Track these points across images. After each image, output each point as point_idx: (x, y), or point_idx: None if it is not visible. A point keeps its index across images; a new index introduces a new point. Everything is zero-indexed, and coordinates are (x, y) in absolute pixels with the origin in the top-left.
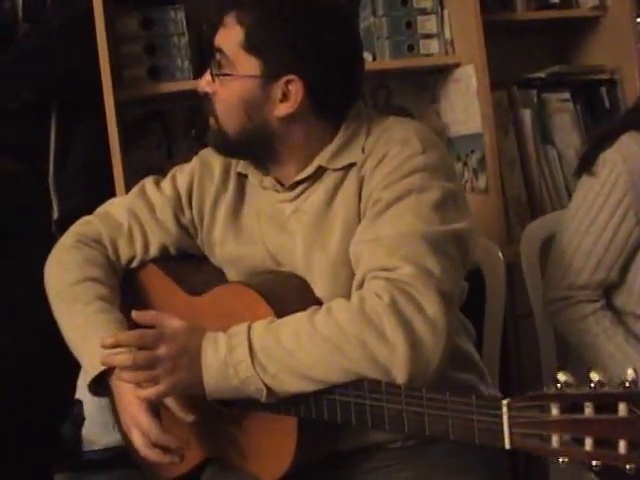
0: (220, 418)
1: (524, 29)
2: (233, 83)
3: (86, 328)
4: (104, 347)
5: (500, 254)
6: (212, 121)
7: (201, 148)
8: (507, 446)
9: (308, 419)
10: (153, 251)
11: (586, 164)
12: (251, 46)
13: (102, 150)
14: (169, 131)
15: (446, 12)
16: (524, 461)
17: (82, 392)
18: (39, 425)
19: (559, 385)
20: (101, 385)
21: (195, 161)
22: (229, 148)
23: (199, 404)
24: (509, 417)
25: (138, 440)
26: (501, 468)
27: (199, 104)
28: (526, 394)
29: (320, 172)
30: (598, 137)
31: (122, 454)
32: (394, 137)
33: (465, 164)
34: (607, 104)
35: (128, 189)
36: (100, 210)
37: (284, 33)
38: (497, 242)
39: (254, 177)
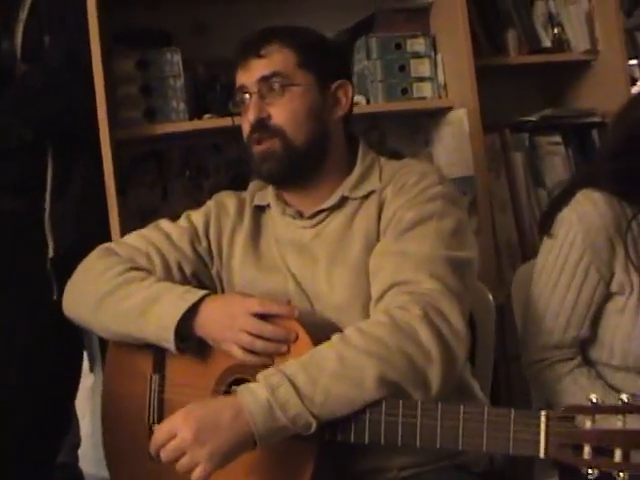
0: None
1: (517, 73)
2: (299, 96)
3: (153, 292)
4: None
5: (490, 296)
6: (267, 146)
7: (195, 189)
8: (542, 455)
9: (330, 444)
10: (175, 271)
11: (545, 226)
12: (305, 62)
13: (98, 189)
14: (164, 171)
15: (439, 56)
16: None
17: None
18: (38, 445)
19: (593, 401)
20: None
21: (210, 203)
22: (294, 163)
23: None
24: (546, 427)
25: (247, 342)
26: None
27: (194, 145)
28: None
29: (342, 201)
30: (555, 197)
31: None
32: (413, 170)
33: None
34: (598, 147)
35: (123, 228)
36: (113, 242)
37: (326, 47)
38: (488, 284)
39: (277, 206)
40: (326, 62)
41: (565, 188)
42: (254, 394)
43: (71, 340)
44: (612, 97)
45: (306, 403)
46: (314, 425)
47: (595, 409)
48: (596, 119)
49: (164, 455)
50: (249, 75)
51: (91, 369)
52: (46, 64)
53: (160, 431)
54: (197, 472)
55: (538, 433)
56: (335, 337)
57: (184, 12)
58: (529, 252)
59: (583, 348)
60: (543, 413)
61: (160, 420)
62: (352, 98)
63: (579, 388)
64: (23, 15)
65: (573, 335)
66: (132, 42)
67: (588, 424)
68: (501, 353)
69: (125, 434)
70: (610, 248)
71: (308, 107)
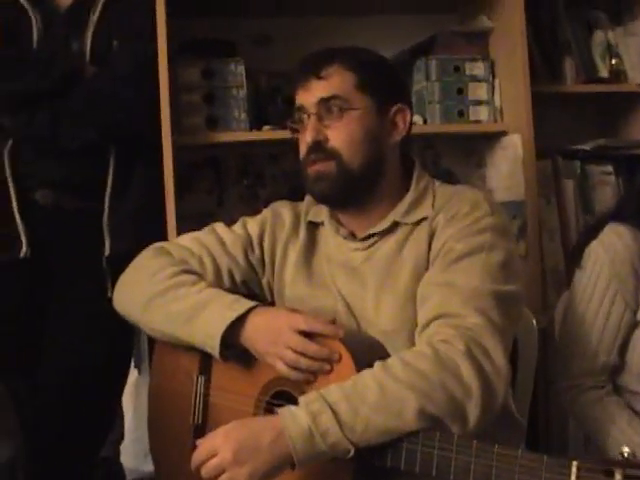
0: None
1: (572, 101)
2: (357, 119)
3: (202, 298)
4: None
5: (534, 320)
6: (322, 167)
7: (251, 197)
8: None
9: (366, 468)
10: (225, 278)
11: (575, 258)
12: (364, 85)
13: (156, 193)
14: (221, 178)
15: (497, 81)
16: None
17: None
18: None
19: (623, 454)
20: (229, 345)
21: (266, 212)
22: (348, 185)
23: None
24: (577, 477)
25: (291, 359)
26: None
27: (252, 154)
28: (593, 457)
29: (394, 226)
30: (584, 231)
31: None
32: (465, 198)
33: None
34: None
35: (179, 232)
36: (167, 242)
37: (386, 70)
38: (532, 307)
39: (330, 225)
40: (385, 86)
41: (594, 222)
42: (295, 419)
43: (122, 337)
44: None
45: (346, 432)
46: (352, 452)
47: (626, 463)
48: None
49: (204, 472)
50: (308, 96)
51: (136, 366)
52: (114, 69)
53: (201, 448)
54: None
55: None
56: (378, 366)
57: (249, 24)
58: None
59: (613, 376)
60: (575, 463)
61: (204, 422)
62: (410, 123)
63: (608, 416)
64: (94, 18)
65: (603, 361)
66: (198, 51)
67: (618, 477)
68: (541, 377)
69: (169, 431)
70: (635, 278)
71: (365, 131)
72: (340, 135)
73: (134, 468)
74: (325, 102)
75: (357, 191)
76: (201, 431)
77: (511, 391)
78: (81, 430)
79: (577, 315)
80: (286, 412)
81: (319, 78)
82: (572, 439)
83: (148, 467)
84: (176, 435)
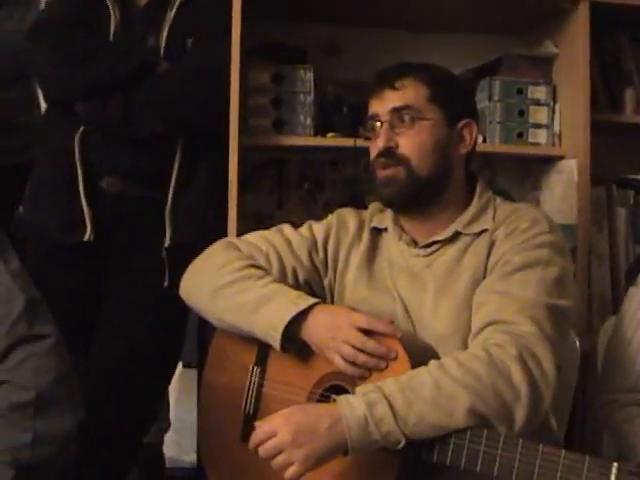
0: None
1: (631, 131)
2: (427, 129)
3: (268, 292)
4: None
5: (577, 341)
6: (391, 172)
7: (310, 201)
8: None
9: (410, 462)
10: (289, 276)
11: (631, 276)
12: (436, 98)
13: (219, 189)
14: (283, 181)
15: (558, 106)
16: None
17: None
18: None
19: None
20: (289, 338)
21: (332, 217)
22: (415, 191)
23: None
24: (617, 478)
25: (349, 354)
26: None
27: (313, 159)
28: (633, 462)
29: (455, 235)
30: None
31: (195, 476)
32: (525, 215)
33: None
34: None
35: (238, 230)
36: (237, 238)
37: (457, 86)
38: (576, 330)
39: (394, 231)
40: (455, 100)
41: None
42: (352, 407)
43: (174, 327)
44: None
45: (399, 423)
46: (403, 442)
47: None
48: None
49: (262, 451)
50: (382, 105)
51: (182, 359)
52: (186, 66)
53: (261, 429)
54: (291, 471)
55: None
56: (433, 364)
57: (320, 31)
58: (620, 306)
59: None
60: (615, 465)
61: (255, 412)
62: (476, 137)
63: None
64: (171, 15)
65: None
66: (269, 55)
67: None
68: (581, 399)
69: (220, 419)
70: None
71: (434, 141)
72: (410, 142)
73: (175, 457)
74: (398, 111)
75: (423, 197)
76: (252, 421)
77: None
78: (127, 412)
79: (627, 333)
80: (344, 400)
81: (393, 89)
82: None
83: (189, 457)
84: (227, 424)
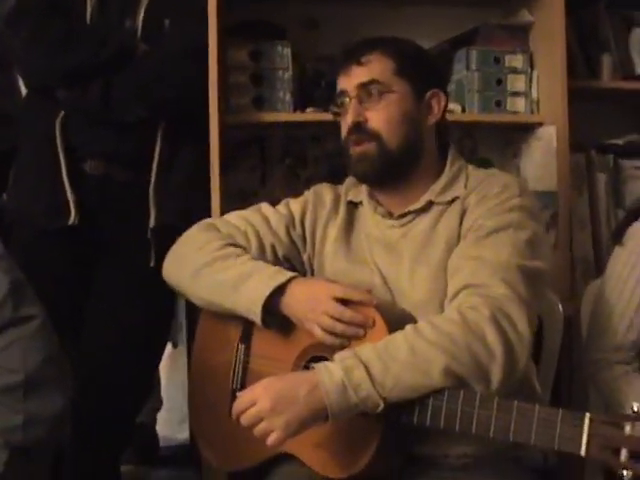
0: None
1: (608, 97)
2: (395, 102)
3: (247, 269)
4: None
5: (560, 307)
6: (363, 148)
7: (293, 177)
8: (583, 453)
9: (392, 426)
10: (269, 253)
11: (618, 236)
12: (402, 71)
13: (202, 169)
14: (265, 157)
15: (535, 73)
16: None
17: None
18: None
19: (634, 410)
20: (271, 312)
21: (308, 193)
22: (388, 165)
23: None
24: (589, 428)
25: (328, 324)
26: None
27: (295, 135)
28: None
29: (429, 205)
30: (629, 211)
31: (188, 453)
32: (496, 180)
33: None
34: None
35: (223, 208)
36: (216, 218)
37: (423, 58)
38: (560, 295)
39: (369, 204)
40: (422, 72)
41: (639, 205)
42: (330, 373)
43: (162, 307)
44: None
45: (377, 387)
46: (382, 406)
47: (636, 417)
48: None
49: (244, 420)
50: (349, 81)
51: (171, 339)
52: (165, 48)
53: (242, 398)
54: (272, 438)
55: (581, 433)
56: (408, 328)
57: (297, 8)
58: (604, 269)
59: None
60: (588, 415)
61: (242, 387)
62: (445, 107)
63: (632, 390)
64: None
65: (633, 339)
66: (247, 33)
67: (628, 430)
68: (567, 362)
69: (209, 395)
70: None
71: (403, 113)
72: (379, 116)
73: (168, 436)
74: (365, 86)
75: (396, 171)
76: None
77: (535, 370)
78: (120, 393)
79: (614, 291)
80: (322, 367)
81: (360, 64)
82: None
83: (182, 435)
84: (215, 400)
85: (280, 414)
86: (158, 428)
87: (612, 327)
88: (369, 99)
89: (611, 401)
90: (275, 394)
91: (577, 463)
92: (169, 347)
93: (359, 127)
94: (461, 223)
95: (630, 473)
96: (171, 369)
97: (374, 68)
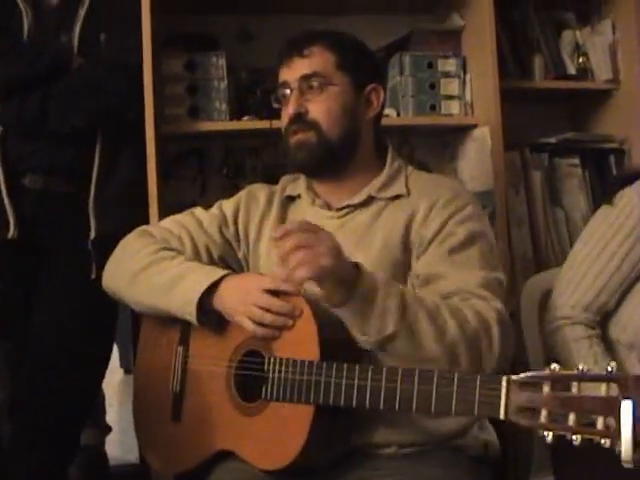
0: (239, 410)
1: (541, 97)
2: (335, 95)
3: (181, 270)
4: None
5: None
6: (303, 137)
7: (232, 187)
8: (501, 417)
9: (324, 415)
10: (203, 254)
11: (607, 196)
12: (343, 64)
13: (140, 180)
14: (204, 168)
15: (468, 76)
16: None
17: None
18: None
19: (551, 369)
20: (204, 312)
21: (242, 193)
22: (327, 155)
23: (218, 401)
24: (507, 391)
25: (257, 315)
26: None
27: (234, 146)
28: (524, 374)
29: (369, 200)
30: (622, 176)
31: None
32: (445, 186)
33: None
34: (615, 172)
35: (162, 218)
36: (150, 225)
37: (364, 53)
38: None
39: (307, 196)
40: (362, 66)
41: (634, 171)
42: (375, 276)
43: (104, 318)
44: (631, 125)
45: (397, 324)
46: (386, 333)
47: (553, 376)
48: (614, 145)
49: (296, 238)
50: (291, 72)
51: (121, 364)
52: (100, 60)
53: (309, 224)
54: (301, 271)
55: (499, 397)
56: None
57: (232, 21)
58: (543, 267)
59: (603, 326)
60: (504, 378)
61: (182, 388)
62: (383, 102)
63: (592, 354)
64: (82, 12)
65: (604, 301)
66: (181, 45)
67: (547, 390)
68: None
69: (152, 400)
70: None
71: (343, 105)
72: (320, 108)
73: (119, 457)
74: (306, 78)
75: (334, 161)
76: (180, 399)
77: None
78: (61, 407)
79: (594, 250)
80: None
81: (302, 57)
82: None
83: (134, 455)
84: (158, 404)
85: (325, 257)
86: (110, 449)
87: (584, 285)
88: (310, 91)
89: (567, 361)
90: (332, 243)
91: (524, 457)
92: (121, 372)
93: (299, 117)
94: (408, 224)
95: (551, 434)
96: (124, 393)
97: (316, 61)
